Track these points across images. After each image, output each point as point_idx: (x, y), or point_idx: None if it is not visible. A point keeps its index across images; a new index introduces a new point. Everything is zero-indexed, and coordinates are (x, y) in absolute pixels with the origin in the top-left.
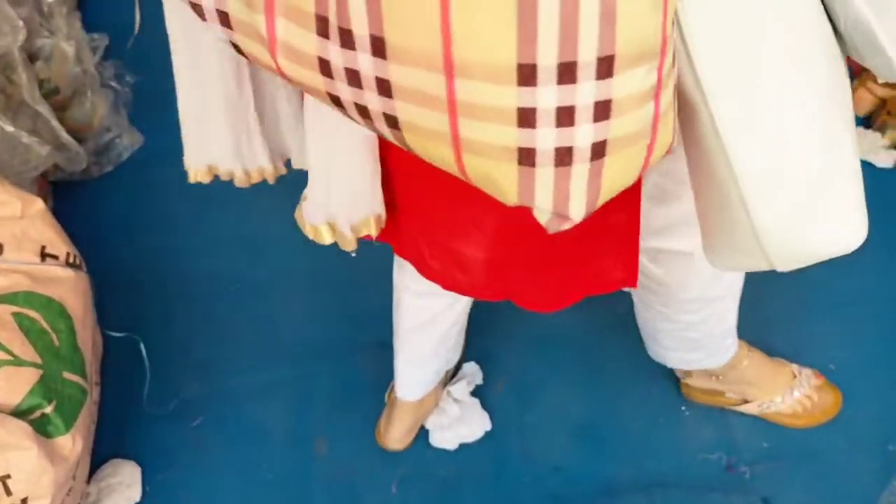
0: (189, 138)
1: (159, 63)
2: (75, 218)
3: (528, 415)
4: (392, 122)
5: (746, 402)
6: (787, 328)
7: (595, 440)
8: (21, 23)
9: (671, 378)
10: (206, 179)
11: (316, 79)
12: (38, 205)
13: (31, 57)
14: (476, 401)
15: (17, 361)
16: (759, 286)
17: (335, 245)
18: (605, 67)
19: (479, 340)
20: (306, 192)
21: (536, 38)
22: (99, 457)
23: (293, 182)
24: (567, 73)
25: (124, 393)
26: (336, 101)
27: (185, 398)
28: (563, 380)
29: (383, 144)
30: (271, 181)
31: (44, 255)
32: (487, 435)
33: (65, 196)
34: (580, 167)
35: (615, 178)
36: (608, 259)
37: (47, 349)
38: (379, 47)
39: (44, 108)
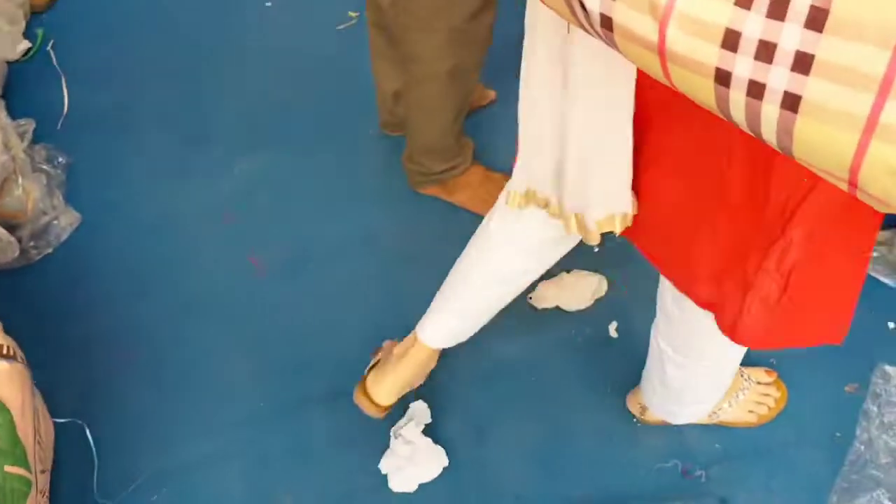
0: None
1: (90, 140)
2: (17, 304)
3: (483, 447)
4: (791, 102)
5: None
6: None
7: (552, 464)
8: None
9: (621, 393)
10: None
11: (709, 52)
12: None
13: None
14: (427, 440)
15: None
16: None
17: (276, 300)
18: None
19: (427, 379)
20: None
21: None
22: None
23: (228, 248)
24: None
25: (77, 477)
26: (721, 78)
27: (140, 475)
28: (515, 408)
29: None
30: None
31: None
32: (445, 472)
33: (5, 283)
34: None
35: None
36: (821, 312)
37: None
38: (818, 18)
39: None
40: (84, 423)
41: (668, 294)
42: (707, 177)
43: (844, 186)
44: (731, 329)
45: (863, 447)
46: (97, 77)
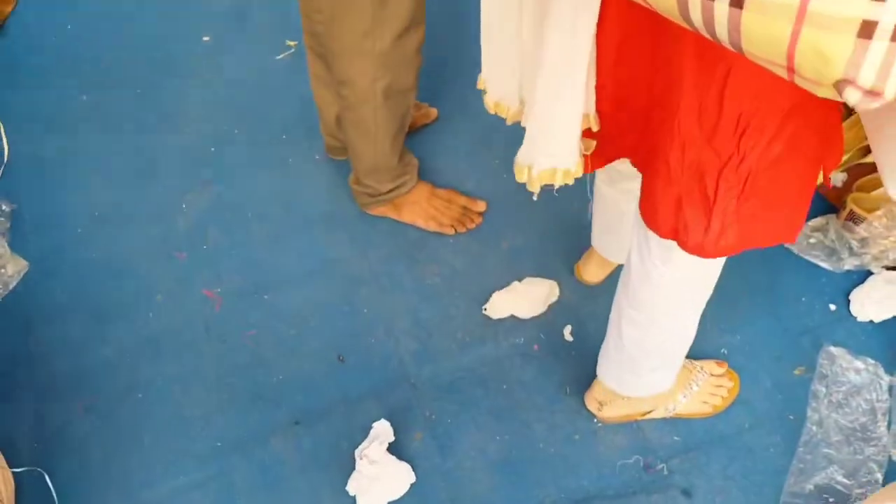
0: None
1: (34, 186)
2: None
3: (449, 459)
4: (738, 1)
5: (653, 410)
6: None
7: (517, 471)
8: None
9: (580, 395)
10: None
11: None
12: None
13: None
14: (392, 457)
15: None
16: None
17: (234, 332)
18: None
19: (389, 397)
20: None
21: None
22: None
23: (182, 283)
24: None
25: None
26: None
27: None
28: (477, 418)
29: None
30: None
31: None
32: (413, 488)
33: None
34: None
35: None
36: (776, 213)
37: None
38: None
39: None
40: (44, 470)
41: (634, 246)
42: (662, 108)
43: (785, 74)
44: (699, 248)
45: (814, 427)
46: (37, 122)
